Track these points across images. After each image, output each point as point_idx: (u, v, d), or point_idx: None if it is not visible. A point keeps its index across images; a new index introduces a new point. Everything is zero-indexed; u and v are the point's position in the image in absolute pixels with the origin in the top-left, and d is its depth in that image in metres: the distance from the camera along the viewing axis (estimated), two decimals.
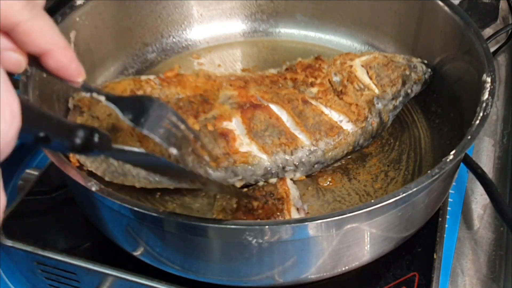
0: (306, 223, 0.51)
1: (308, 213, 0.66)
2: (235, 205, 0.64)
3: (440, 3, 0.77)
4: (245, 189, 0.67)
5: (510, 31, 1.04)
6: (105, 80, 0.83)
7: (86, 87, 0.50)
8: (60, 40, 0.43)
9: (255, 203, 0.63)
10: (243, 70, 0.88)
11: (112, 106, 0.49)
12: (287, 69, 0.76)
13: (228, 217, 0.63)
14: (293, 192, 0.66)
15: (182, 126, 0.52)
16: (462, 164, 0.75)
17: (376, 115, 0.72)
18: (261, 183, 0.67)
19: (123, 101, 0.50)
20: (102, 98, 0.50)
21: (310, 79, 0.73)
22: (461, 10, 0.75)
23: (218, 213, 0.65)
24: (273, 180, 0.67)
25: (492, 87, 0.63)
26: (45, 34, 0.42)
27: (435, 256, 0.65)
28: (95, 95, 0.50)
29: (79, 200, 0.66)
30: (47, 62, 0.43)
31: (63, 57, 0.44)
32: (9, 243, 0.66)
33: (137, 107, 0.49)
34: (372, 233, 0.57)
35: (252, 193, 0.65)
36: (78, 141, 0.40)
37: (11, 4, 0.39)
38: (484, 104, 0.61)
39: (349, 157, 0.73)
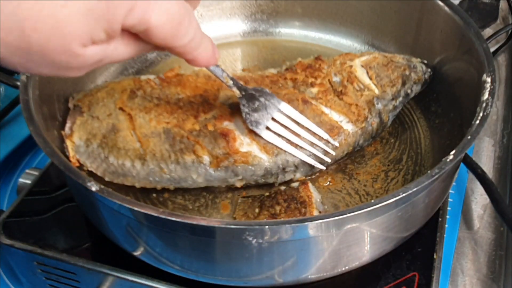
0: (306, 223, 0.51)
1: None
2: (257, 210, 0.64)
3: (440, 3, 0.77)
4: (267, 193, 0.67)
5: (510, 31, 1.04)
6: (105, 80, 0.83)
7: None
8: (204, 49, 0.48)
9: (278, 208, 0.64)
10: (243, 70, 0.88)
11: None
12: (287, 69, 0.76)
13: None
14: (315, 195, 0.66)
15: None
16: (462, 164, 0.75)
17: (376, 115, 0.72)
18: (283, 188, 0.67)
19: None
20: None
21: (310, 79, 0.73)
22: (461, 10, 0.75)
23: (240, 217, 0.65)
24: (295, 184, 0.67)
25: (492, 87, 0.63)
26: (193, 52, 0.47)
27: (435, 256, 0.65)
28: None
29: (79, 200, 0.66)
30: (189, 63, 0.49)
31: (203, 61, 0.49)
32: (9, 243, 0.66)
33: None
34: (372, 233, 0.57)
35: (275, 197, 0.65)
36: None
37: (177, 34, 0.43)
38: (484, 104, 0.61)
39: (349, 157, 0.73)
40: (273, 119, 0.66)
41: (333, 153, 0.68)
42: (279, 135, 0.66)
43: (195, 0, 0.49)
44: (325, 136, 0.67)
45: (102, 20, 0.39)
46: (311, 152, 0.67)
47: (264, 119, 0.65)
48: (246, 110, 0.65)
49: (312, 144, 0.67)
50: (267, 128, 0.65)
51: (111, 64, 0.85)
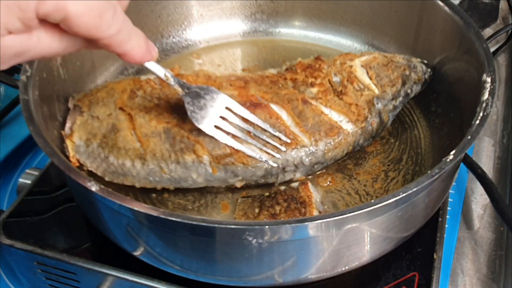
0: (306, 223, 0.51)
1: None
2: (257, 210, 0.64)
3: (440, 3, 0.77)
4: (267, 193, 0.67)
5: (510, 31, 1.04)
6: (105, 80, 0.83)
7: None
8: (135, 43, 0.49)
9: (278, 208, 0.64)
10: (243, 70, 0.88)
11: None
12: (287, 69, 0.76)
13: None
14: (315, 195, 0.66)
15: None
16: (462, 164, 0.75)
17: (376, 115, 0.72)
18: (283, 188, 0.67)
19: None
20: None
21: (310, 79, 0.73)
22: (461, 10, 0.75)
23: (240, 217, 0.65)
24: (295, 184, 0.67)
25: (492, 87, 0.63)
26: (122, 45, 0.47)
27: (435, 256, 0.65)
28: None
29: (79, 200, 0.66)
30: (123, 58, 0.49)
31: (137, 57, 0.50)
32: (9, 243, 0.66)
33: None
34: (372, 233, 0.57)
35: (275, 197, 0.65)
36: None
37: (99, 24, 0.43)
38: (484, 104, 0.61)
39: (349, 157, 0.73)
40: (222, 117, 0.64)
41: (284, 149, 0.66)
42: (228, 133, 0.65)
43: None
44: (276, 132, 0.66)
45: (14, 7, 0.39)
46: (262, 149, 0.66)
47: (211, 117, 0.64)
48: (191, 108, 0.63)
49: (263, 141, 0.66)
50: (216, 126, 0.64)
51: (111, 64, 0.85)
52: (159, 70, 0.60)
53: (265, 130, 0.66)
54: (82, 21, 0.42)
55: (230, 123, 0.65)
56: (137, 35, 0.49)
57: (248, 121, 0.66)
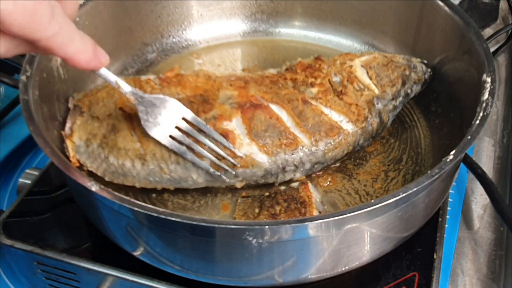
0: (306, 223, 0.51)
1: None
2: (257, 210, 0.64)
3: (440, 3, 0.77)
4: (267, 193, 0.67)
5: (510, 31, 1.04)
6: (105, 80, 0.83)
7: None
8: (79, 47, 0.47)
9: (278, 208, 0.64)
10: (243, 70, 0.88)
11: None
12: (287, 69, 0.76)
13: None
14: (315, 195, 0.66)
15: None
16: (462, 164, 0.75)
17: (376, 115, 0.72)
18: (283, 188, 0.67)
19: None
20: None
21: (310, 79, 0.73)
22: (461, 10, 0.75)
23: (240, 217, 0.65)
24: (295, 184, 0.67)
25: (492, 87, 0.63)
26: (63, 48, 0.46)
27: (435, 256, 0.65)
28: None
29: (79, 200, 0.66)
30: (68, 63, 0.48)
31: (81, 61, 0.48)
32: (9, 243, 0.66)
33: None
34: (372, 233, 0.57)
35: (275, 197, 0.65)
36: None
37: (34, 24, 0.42)
38: (484, 104, 0.61)
39: (349, 157, 0.73)
40: (177, 127, 0.64)
41: (237, 164, 0.65)
42: (183, 144, 0.64)
43: (71, 0, 0.48)
44: (230, 147, 0.65)
45: None
46: (215, 162, 0.64)
47: (166, 126, 0.63)
48: (145, 117, 0.63)
49: (216, 154, 0.65)
50: (171, 136, 0.64)
51: (111, 64, 0.85)
52: (111, 77, 0.59)
53: (220, 143, 0.65)
54: (14, 20, 0.41)
55: (186, 133, 0.64)
56: (82, 39, 0.48)
57: (204, 133, 0.65)
